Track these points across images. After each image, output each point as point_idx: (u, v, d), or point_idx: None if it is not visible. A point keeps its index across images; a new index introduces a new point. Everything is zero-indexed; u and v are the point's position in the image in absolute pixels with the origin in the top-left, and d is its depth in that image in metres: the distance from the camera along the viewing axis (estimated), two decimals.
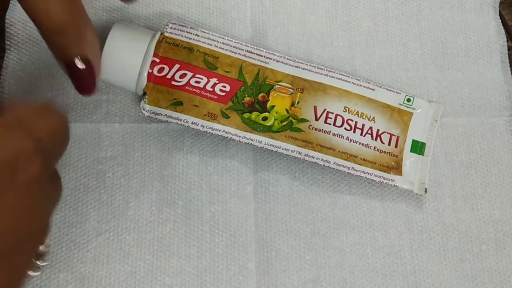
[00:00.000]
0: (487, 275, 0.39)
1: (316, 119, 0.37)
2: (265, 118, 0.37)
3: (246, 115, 0.37)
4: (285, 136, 0.37)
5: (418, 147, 0.38)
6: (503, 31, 0.45)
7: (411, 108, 0.39)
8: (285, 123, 0.37)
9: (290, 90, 0.37)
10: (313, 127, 0.37)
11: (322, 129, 0.37)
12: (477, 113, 0.43)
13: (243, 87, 0.37)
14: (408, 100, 0.39)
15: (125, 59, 0.35)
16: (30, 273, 0.32)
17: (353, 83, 0.38)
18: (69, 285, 0.39)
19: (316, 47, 0.44)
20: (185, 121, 0.37)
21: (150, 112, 0.37)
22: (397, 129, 0.39)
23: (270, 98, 0.37)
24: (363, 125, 0.38)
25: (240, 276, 0.39)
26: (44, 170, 0.23)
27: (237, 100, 0.37)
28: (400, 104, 0.39)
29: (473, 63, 0.44)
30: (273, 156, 0.42)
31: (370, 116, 0.38)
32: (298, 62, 0.38)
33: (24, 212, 0.22)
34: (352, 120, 0.38)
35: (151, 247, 0.40)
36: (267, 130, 0.37)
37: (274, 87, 0.37)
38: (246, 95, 0.37)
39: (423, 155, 0.39)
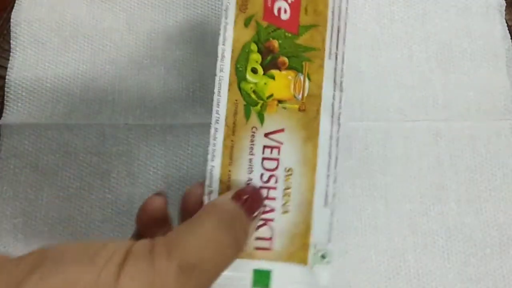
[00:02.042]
0: (491, 279, 0.39)
1: None
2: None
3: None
4: None
5: None
6: (508, 35, 0.45)
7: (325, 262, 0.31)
8: None
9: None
10: None
11: None
12: (482, 117, 0.43)
13: None
14: (323, 256, 0.31)
15: None
16: None
17: None
18: None
19: None
20: None
21: None
22: None
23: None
24: None
25: None
26: None
27: None
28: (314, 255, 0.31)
29: (478, 67, 0.44)
30: None
31: None
32: None
33: None
34: None
35: None
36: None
37: None
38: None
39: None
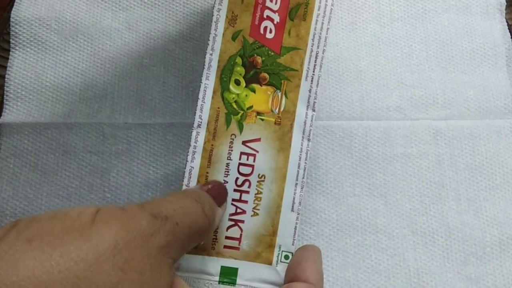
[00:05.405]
0: (490, 278, 0.39)
1: None
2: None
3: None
4: None
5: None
6: (508, 34, 0.45)
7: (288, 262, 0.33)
8: None
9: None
10: None
11: None
12: (482, 116, 0.43)
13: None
14: (286, 257, 0.33)
15: None
16: None
17: None
18: None
19: None
20: None
21: None
22: None
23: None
24: None
25: None
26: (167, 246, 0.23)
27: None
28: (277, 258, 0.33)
29: (478, 66, 0.44)
30: None
31: None
32: None
33: None
34: None
35: None
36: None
37: None
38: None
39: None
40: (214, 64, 0.32)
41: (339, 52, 0.44)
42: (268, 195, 0.32)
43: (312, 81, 0.33)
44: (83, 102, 0.43)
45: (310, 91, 0.33)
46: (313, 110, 0.33)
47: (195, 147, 0.32)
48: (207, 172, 0.32)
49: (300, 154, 0.33)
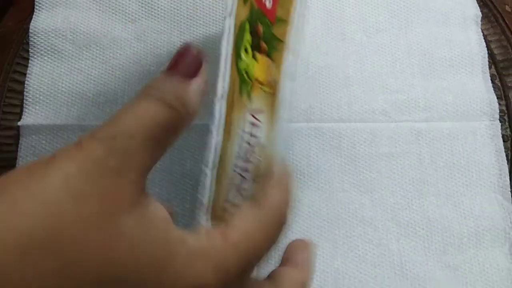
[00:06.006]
0: (467, 266, 0.41)
1: None
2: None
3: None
4: None
5: None
6: (484, 44, 0.48)
7: None
8: None
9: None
10: None
11: None
12: (460, 118, 0.45)
13: None
14: None
15: None
16: None
17: None
18: None
19: (313, 56, 0.47)
20: None
21: None
22: None
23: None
24: None
25: None
26: None
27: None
28: None
29: (456, 73, 0.47)
30: None
31: None
32: None
33: None
34: None
35: None
36: None
37: None
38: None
39: None
40: (231, 29, 0.27)
41: (329, 60, 0.47)
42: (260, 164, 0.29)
43: (294, 53, 0.31)
44: (96, 106, 0.45)
45: (291, 62, 0.31)
46: (293, 80, 0.31)
47: (219, 120, 0.27)
48: (227, 146, 0.27)
49: (285, 125, 0.30)
